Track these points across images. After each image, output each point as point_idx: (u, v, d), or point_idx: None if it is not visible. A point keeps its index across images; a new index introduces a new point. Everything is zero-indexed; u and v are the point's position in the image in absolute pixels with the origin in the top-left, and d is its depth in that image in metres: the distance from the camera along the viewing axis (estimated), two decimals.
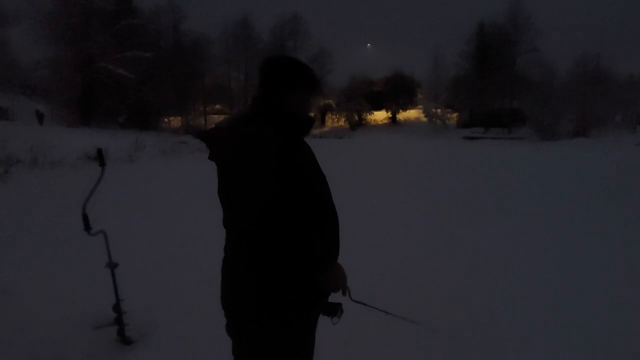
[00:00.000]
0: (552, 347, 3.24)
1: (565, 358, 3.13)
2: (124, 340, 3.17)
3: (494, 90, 45.82)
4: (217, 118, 41.29)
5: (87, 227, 2.96)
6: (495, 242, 6.02)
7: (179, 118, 43.88)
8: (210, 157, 1.73)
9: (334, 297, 1.79)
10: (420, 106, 57.40)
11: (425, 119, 54.86)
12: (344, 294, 1.78)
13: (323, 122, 56.12)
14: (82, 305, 3.59)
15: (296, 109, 1.77)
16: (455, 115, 53.52)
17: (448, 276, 4.64)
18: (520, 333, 3.41)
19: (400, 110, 57.59)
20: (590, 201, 8.97)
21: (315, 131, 47.10)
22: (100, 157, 3.08)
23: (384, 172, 14.33)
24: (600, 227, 6.83)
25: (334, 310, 1.76)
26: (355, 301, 1.83)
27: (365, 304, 1.87)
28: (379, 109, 56.82)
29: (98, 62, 31.60)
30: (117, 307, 3.14)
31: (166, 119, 42.52)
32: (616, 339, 3.31)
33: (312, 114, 1.88)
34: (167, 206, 8.29)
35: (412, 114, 58.09)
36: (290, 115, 1.74)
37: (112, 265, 3.13)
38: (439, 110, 53.73)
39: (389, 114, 57.61)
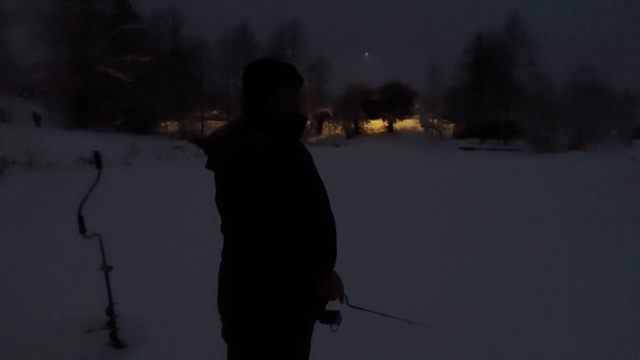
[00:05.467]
0: (547, 344, 3.32)
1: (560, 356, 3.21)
2: (117, 344, 3.15)
3: (490, 101, 46.12)
4: (214, 124, 41.31)
5: (82, 229, 2.95)
6: (492, 246, 6.10)
7: (176, 123, 43.85)
8: (208, 166, 1.74)
9: (330, 305, 1.80)
10: (417, 116, 57.67)
11: (421, 129, 55.08)
12: (341, 301, 1.79)
13: (320, 130, 56.25)
14: (75, 308, 3.60)
15: (285, 109, 1.74)
16: (451, 125, 53.77)
17: (445, 279, 4.68)
18: (516, 332, 3.48)
19: (397, 120, 57.81)
20: (581, 208, 9.04)
21: (312, 139, 47.16)
22: (97, 160, 3.08)
23: (378, 180, 14.34)
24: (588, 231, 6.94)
25: (333, 318, 1.75)
26: (352, 307, 1.83)
27: (362, 309, 1.87)
28: (375, 118, 57.04)
29: (96, 66, 31.53)
30: (110, 311, 3.13)
31: (163, 124, 42.46)
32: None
33: (302, 113, 1.83)
34: (162, 210, 8.29)
35: (408, 123, 58.33)
36: (280, 120, 1.72)
37: (107, 268, 3.12)
38: (436, 120, 53.97)
39: (386, 123, 57.78)
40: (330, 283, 1.71)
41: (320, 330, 1.89)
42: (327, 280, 1.70)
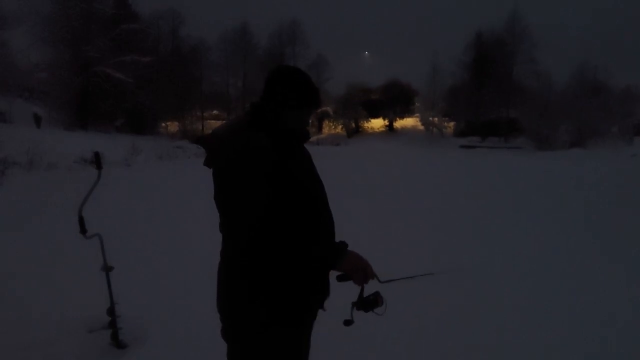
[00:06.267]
0: (547, 344, 3.34)
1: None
2: (118, 344, 3.17)
3: (490, 99, 46.08)
4: (215, 123, 41.28)
5: (83, 230, 2.96)
6: (492, 246, 6.13)
7: (176, 123, 43.89)
8: (206, 163, 1.74)
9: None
10: (417, 114, 57.65)
11: (422, 128, 55.06)
12: (372, 279, 1.70)
13: (320, 129, 56.25)
14: (76, 308, 3.60)
15: (292, 124, 1.74)
16: (451, 124, 53.75)
17: (445, 279, 4.68)
18: (516, 332, 3.49)
19: (397, 119, 57.80)
20: (581, 207, 9.04)
21: (312, 138, 47.15)
22: (97, 160, 3.09)
23: (379, 179, 14.34)
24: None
25: (374, 302, 1.69)
26: (384, 282, 1.76)
27: (393, 280, 1.82)
28: (375, 116, 57.05)
29: (96, 66, 31.51)
30: (111, 311, 3.14)
31: (163, 124, 42.49)
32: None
33: (307, 129, 1.85)
34: (163, 210, 8.31)
35: (409, 122, 58.33)
36: (285, 128, 1.73)
37: (107, 269, 3.13)
38: (436, 118, 53.94)
39: (386, 122, 57.80)
40: (360, 265, 1.68)
41: (321, 327, 1.89)
42: (347, 260, 1.66)
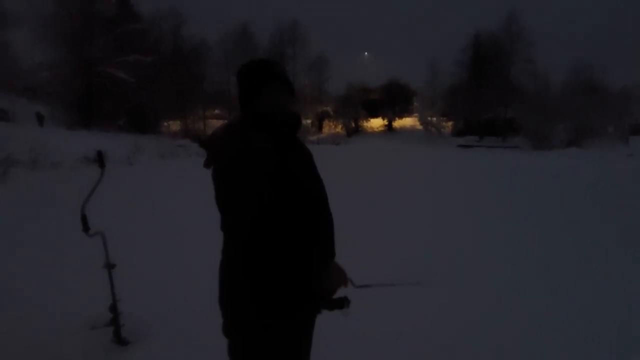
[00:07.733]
0: (547, 344, 3.34)
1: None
2: (120, 340, 3.19)
3: (488, 99, 46.13)
4: (216, 122, 41.36)
5: (85, 227, 2.98)
6: (492, 245, 6.10)
7: (178, 122, 43.98)
8: (205, 165, 1.76)
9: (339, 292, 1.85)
10: (416, 114, 57.77)
11: (420, 127, 55.14)
12: (346, 286, 1.84)
13: (320, 128, 56.32)
14: (79, 306, 3.61)
15: (274, 109, 1.75)
16: (450, 123, 53.84)
17: (445, 279, 4.69)
18: (516, 332, 3.52)
19: (396, 118, 57.95)
20: (580, 207, 9.03)
21: (312, 137, 47.20)
22: (100, 159, 3.11)
23: (378, 179, 14.34)
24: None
25: (341, 304, 1.81)
26: (359, 286, 1.88)
27: (369, 285, 1.94)
28: (375, 116, 57.20)
29: (99, 66, 31.64)
30: (113, 308, 3.16)
31: (165, 123, 42.57)
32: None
33: (295, 112, 1.85)
34: (165, 208, 8.32)
35: (407, 121, 58.48)
36: (274, 119, 1.74)
37: (110, 266, 3.15)
38: (434, 118, 54.06)
39: (385, 122, 57.92)
40: (333, 274, 1.79)
41: (322, 322, 1.91)
42: (329, 272, 1.76)
